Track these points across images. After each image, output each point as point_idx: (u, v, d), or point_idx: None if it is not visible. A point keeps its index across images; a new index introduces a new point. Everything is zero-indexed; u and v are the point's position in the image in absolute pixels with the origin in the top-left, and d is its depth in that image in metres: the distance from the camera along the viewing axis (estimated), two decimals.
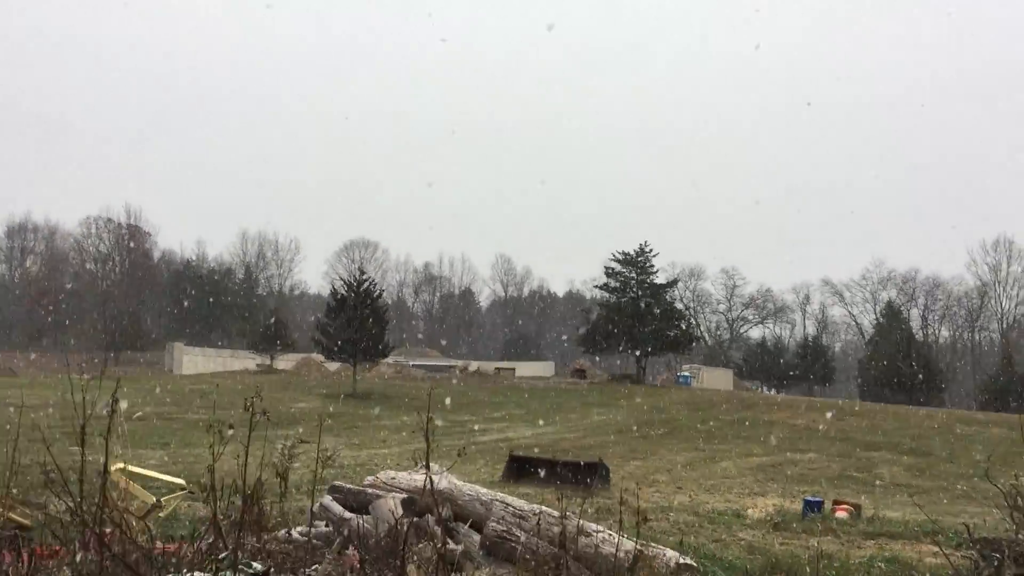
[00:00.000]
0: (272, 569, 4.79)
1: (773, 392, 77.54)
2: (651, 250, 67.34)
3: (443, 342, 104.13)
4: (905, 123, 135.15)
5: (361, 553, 4.65)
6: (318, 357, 60.58)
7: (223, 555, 4.52)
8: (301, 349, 70.68)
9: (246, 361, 70.31)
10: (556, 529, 8.23)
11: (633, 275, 67.23)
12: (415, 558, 5.33)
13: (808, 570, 10.11)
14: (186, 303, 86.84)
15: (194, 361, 72.19)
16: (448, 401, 43.06)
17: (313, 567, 4.88)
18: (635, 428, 34.78)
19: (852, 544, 12.71)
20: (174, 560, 4.99)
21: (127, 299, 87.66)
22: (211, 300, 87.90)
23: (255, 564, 4.39)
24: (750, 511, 15.59)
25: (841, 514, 15.05)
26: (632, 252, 67.45)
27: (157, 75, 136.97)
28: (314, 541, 7.77)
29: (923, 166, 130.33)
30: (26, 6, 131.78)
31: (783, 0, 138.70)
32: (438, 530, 8.66)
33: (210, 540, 5.36)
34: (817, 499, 15.61)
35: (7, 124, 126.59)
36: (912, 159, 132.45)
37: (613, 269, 67.95)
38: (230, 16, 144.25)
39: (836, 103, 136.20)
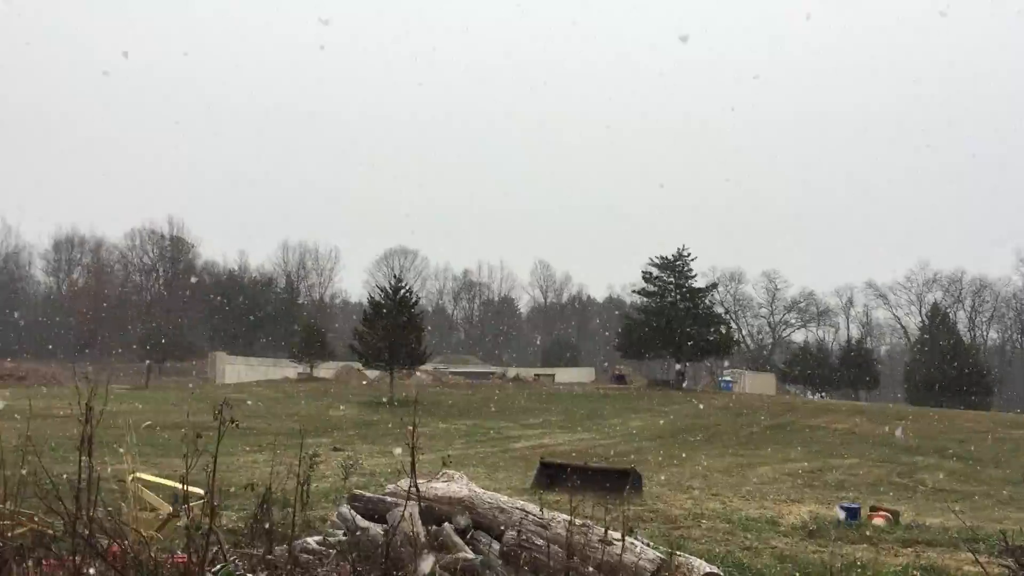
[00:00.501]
0: None
1: (816, 397, 76.48)
2: (689, 254, 66.87)
3: (483, 349, 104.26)
4: (949, 120, 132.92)
5: (353, 565, 4.57)
6: (358, 365, 60.91)
7: (219, 567, 4.47)
8: (341, 357, 71.11)
9: (287, 370, 70.86)
10: (578, 538, 8.13)
11: (671, 279, 66.74)
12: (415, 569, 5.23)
13: None
14: (228, 313, 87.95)
15: (236, 370, 72.85)
16: (485, 408, 43.04)
17: None
18: (673, 434, 34.45)
19: (888, 552, 12.38)
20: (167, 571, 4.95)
21: (171, 310, 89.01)
22: (253, 310, 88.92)
23: None
24: (785, 518, 15.30)
25: (878, 521, 14.70)
26: (670, 256, 67.01)
27: (197, 86, 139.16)
28: (330, 551, 7.73)
29: (967, 164, 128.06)
30: (62, 17, 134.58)
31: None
32: (457, 539, 8.61)
33: (213, 551, 5.32)
34: (854, 505, 15.25)
35: (53, 137, 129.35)
36: (956, 157, 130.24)
37: (651, 274, 67.52)
38: (270, 27, 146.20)
39: (878, 100, 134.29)
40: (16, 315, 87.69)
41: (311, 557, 6.69)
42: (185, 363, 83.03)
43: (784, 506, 17.20)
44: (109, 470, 6.84)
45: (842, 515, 14.66)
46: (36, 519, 7.72)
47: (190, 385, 66.42)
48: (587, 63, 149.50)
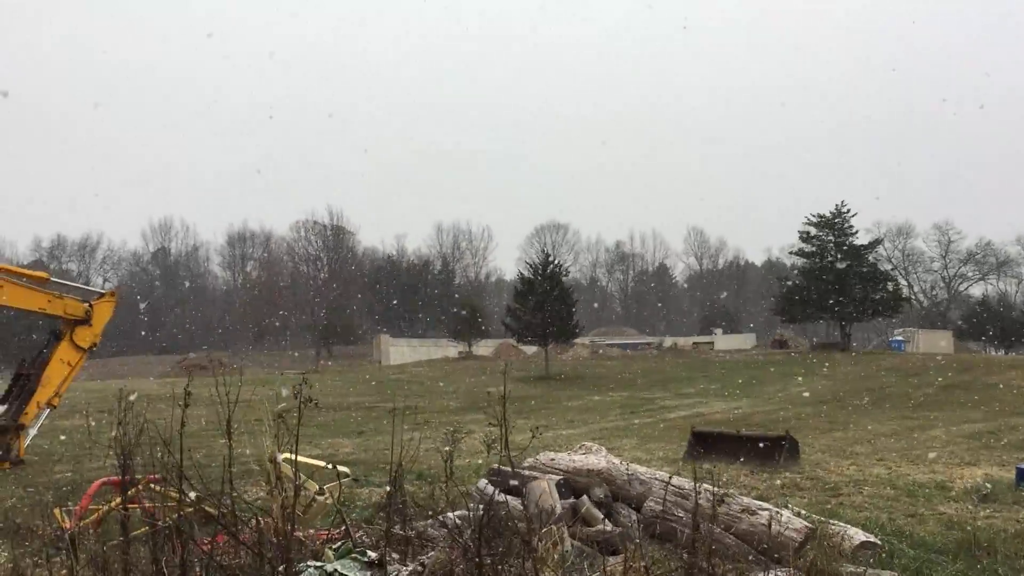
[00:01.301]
0: (390, 557, 4.84)
1: (999, 353, 71.71)
2: (848, 210, 63.72)
3: (639, 319, 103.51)
4: None
5: (464, 542, 4.61)
6: (513, 341, 61.71)
7: (339, 544, 4.61)
8: (498, 335, 72.24)
9: (447, 349, 72.61)
10: (720, 508, 7.92)
11: (831, 238, 63.83)
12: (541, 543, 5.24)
13: (1011, 546, 9.23)
14: (390, 296, 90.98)
15: (400, 352, 75.18)
16: (641, 378, 42.73)
17: (429, 554, 4.90)
18: (837, 399, 33.13)
19: None
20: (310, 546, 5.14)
21: (337, 296, 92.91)
22: (412, 292, 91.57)
23: (369, 552, 4.46)
24: (956, 483, 14.43)
25: None
26: (828, 214, 64.11)
27: (348, 79, 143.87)
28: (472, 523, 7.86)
29: None
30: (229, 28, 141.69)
31: None
32: (594, 511, 8.58)
33: (341, 528, 5.49)
34: None
35: (219, 140, 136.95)
36: None
37: (809, 233, 64.73)
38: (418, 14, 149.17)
39: None
40: (198, 309, 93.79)
41: (445, 532, 6.80)
42: (353, 347, 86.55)
43: (956, 469, 16.23)
44: (278, 452, 7.14)
45: (1018, 477, 13.70)
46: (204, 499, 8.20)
47: (382, 364, 69.06)
48: (730, 18, 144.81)
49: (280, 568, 4.16)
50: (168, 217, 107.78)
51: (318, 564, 4.38)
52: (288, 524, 4.37)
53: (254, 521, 5.69)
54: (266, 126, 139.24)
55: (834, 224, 63.87)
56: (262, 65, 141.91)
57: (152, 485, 6.92)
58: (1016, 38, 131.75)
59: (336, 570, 4.32)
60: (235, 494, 5.84)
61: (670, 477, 8.91)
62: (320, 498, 8.33)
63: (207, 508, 5.93)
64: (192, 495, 6.00)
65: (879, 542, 8.88)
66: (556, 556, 5.46)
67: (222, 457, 6.69)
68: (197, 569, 5.44)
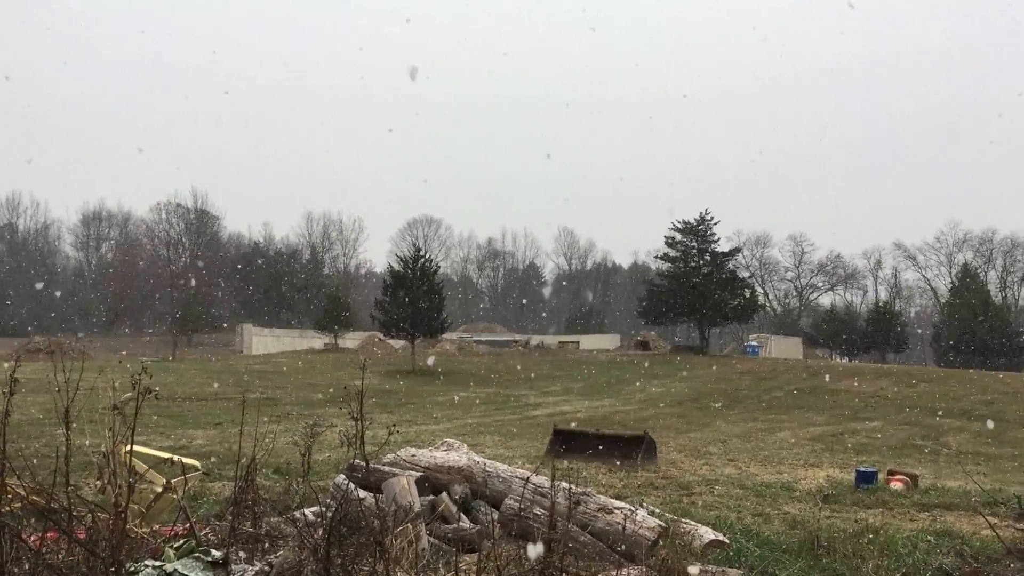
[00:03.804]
0: (236, 556, 4.63)
1: (843, 360, 75.84)
2: (712, 218, 66.15)
3: (507, 317, 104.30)
4: (978, 76, 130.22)
5: (313, 540, 4.46)
6: (381, 335, 60.99)
7: (180, 543, 4.36)
8: (366, 327, 71.26)
9: (313, 340, 71.18)
10: (579, 508, 7.99)
11: (694, 244, 66.07)
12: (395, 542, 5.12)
13: (849, 545, 9.68)
14: (254, 285, 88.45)
15: (263, 341, 73.28)
16: (506, 376, 43.02)
17: (278, 553, 4.71)
18: (694, 400, 34.24)
19: (903, 516, 12.18)
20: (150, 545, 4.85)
21: (198, 282, 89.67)
22: (278, 281, 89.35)
23: (214, 551, 4.24)
24: (800, 483, 15.10)
25: (896, 485, 14.47)
26: (693, 221, 66.31)
27: (218, 62, 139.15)
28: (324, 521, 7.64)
29: (998, 121, 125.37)
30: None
31: None
32: (453, 509, 8.51)
33: (187, 524, 5.23)
34: (871, 469, 15.01)
35: (78, 114, 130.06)
36: (986, 116, 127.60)
37: (674, 239, 66.82)
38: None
39: (906, 54, 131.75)
40: (46, 290, 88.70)
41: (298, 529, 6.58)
42: (213, 335, 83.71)
43: (801, 471, 17.00)
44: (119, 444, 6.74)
45: (857, 479, 14.46)
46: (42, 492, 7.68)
47: (245, 353, 66.84)
48: (610, 29, 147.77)
49: (112, 568, 3.90)
50: (16, 192, 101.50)
51: (157, 563, 4.13)
52: (121, 520, 4.10)
53: (90, 517, 5.35)
54: (128, 101, 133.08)
55: (698, 231, 66.11)
56: (125, 40, 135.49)
57: None
58: (871, 61, 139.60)
59: (176, 570, 4.08)
60: (71, 487, 5.46)
61: (529, 476, 8.93)
62: (167, 493, 7.95)
63: (34, 500, 5.54)
64: (21, 488, 5.59)
65: (727, 540, 9.15)
66: (411, 554, 5.35)
67: (61, 448, 6.28)
68: (26, 566, 5.07)
